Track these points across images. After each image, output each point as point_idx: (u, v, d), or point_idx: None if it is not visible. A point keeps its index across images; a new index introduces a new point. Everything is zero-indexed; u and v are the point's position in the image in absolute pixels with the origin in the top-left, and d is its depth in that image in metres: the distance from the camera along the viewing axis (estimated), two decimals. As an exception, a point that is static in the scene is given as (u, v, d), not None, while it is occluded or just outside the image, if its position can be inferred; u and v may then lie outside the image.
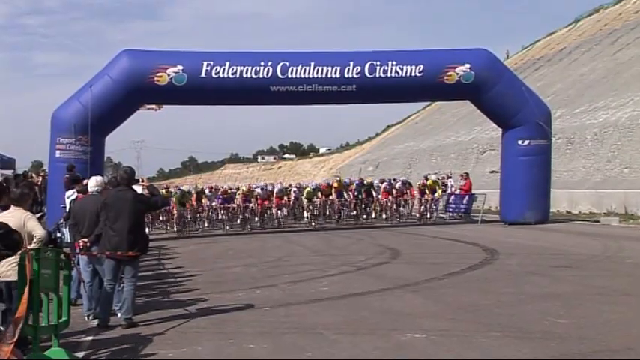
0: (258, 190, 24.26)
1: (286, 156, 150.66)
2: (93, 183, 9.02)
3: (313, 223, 23.31)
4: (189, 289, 10.67)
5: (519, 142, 20.75)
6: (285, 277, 11.84)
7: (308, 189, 24.21)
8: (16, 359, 5.20)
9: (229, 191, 25.32)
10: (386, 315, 8.33)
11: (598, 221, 21.53)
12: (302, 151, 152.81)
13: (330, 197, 24.09)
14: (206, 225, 23.86)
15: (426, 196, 24.88)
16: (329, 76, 19.36)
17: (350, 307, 8.95)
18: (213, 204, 24.63)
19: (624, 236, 16.91)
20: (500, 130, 22.18)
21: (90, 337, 7.78)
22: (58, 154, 18.04)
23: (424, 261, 13.55)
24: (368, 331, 7.51)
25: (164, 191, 22.84)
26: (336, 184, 24.55)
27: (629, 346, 6.49)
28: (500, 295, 9.32)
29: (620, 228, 19.63)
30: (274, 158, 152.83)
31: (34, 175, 18.70)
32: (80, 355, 7.02)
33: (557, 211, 25.00)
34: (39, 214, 9.30)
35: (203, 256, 15.34)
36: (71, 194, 10.80)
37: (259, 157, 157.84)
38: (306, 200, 24.03)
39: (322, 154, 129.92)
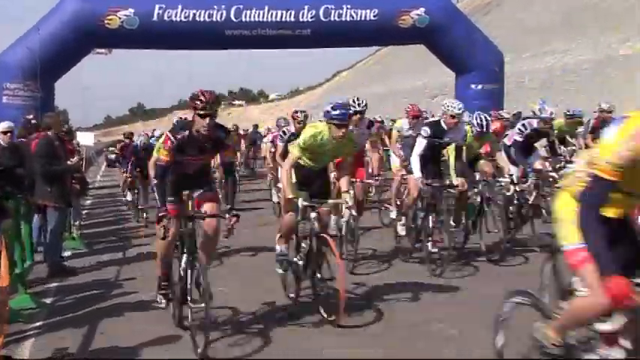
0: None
1: (236, 102, 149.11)
2: None
3: None
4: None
5: (472, 85, 20.98)
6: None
7: None
8: None
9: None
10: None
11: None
12: (252, 97, 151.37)
13: None
14: None
15: None
16: (283, 19, 19.07)
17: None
18: None
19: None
20: (454, 74, 22.37)
21: (55, 284, 7.75)
22: (5, 99, 17.47)
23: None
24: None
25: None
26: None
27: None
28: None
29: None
30: (223, 104, 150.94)
31: (-21, 123, 17.97)
32: (48, 301, 7.02)
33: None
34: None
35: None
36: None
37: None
38: None
39: (272, 100, 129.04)
